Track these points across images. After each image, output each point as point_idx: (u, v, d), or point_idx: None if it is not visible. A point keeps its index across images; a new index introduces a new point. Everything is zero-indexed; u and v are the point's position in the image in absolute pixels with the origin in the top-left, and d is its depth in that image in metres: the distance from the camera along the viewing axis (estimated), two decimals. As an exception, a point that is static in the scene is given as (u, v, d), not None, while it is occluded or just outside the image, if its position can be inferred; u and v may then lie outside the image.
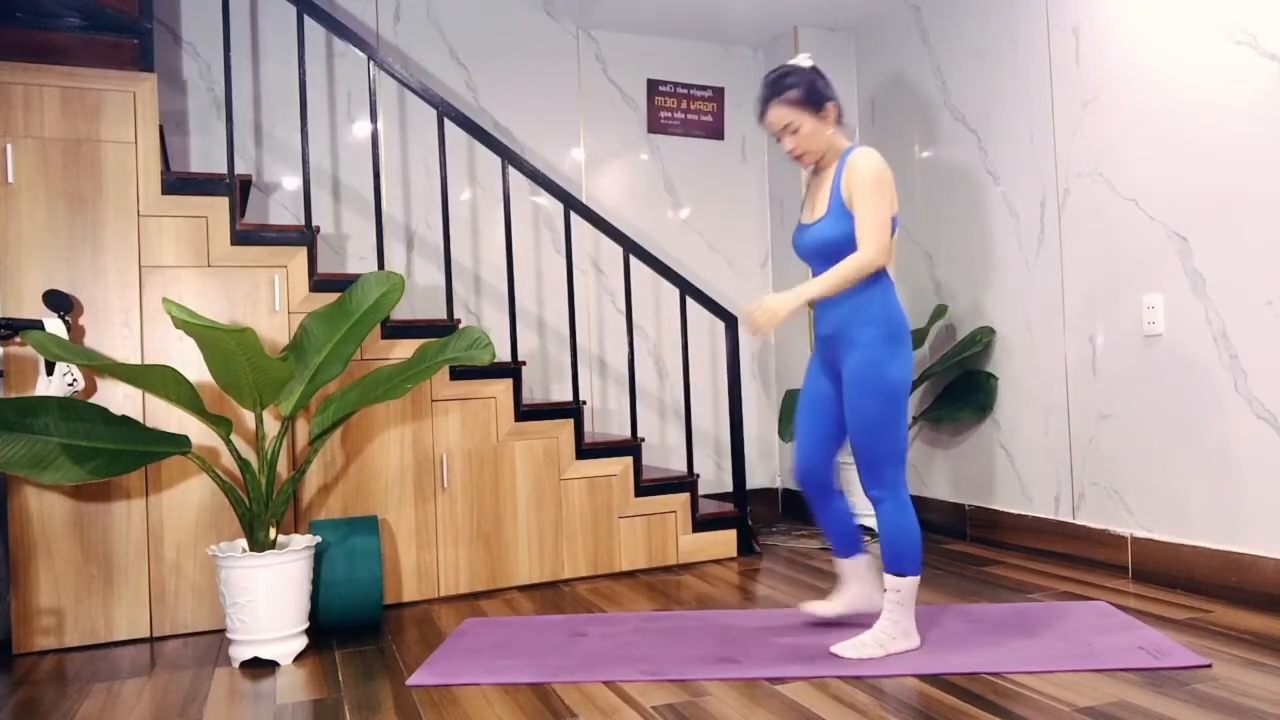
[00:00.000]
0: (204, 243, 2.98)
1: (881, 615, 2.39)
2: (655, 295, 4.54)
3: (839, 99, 2.44)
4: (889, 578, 2.36)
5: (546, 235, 4.33)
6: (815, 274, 2.43)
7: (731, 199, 4.71)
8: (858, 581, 2.60)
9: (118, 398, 2.86)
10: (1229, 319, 2.81)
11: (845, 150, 2.41)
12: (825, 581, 3.22)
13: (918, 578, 2.37)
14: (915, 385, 3.97)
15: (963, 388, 3.86)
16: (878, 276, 2.37)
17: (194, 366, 2.86)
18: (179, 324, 2.28)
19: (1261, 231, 2.71)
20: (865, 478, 2.37)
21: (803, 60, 2.44)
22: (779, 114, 2.40)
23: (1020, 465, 3.62)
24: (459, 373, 3.25)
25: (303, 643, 2.62)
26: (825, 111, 2.39)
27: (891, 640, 2.36)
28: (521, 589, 3.31)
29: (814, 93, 2.39)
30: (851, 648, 2.36)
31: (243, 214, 3.31)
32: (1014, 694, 2.07)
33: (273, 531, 2.63)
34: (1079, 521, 3.35)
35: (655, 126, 4.57)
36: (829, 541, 2.57)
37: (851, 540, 2.58)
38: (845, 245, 2.35)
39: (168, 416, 2.90)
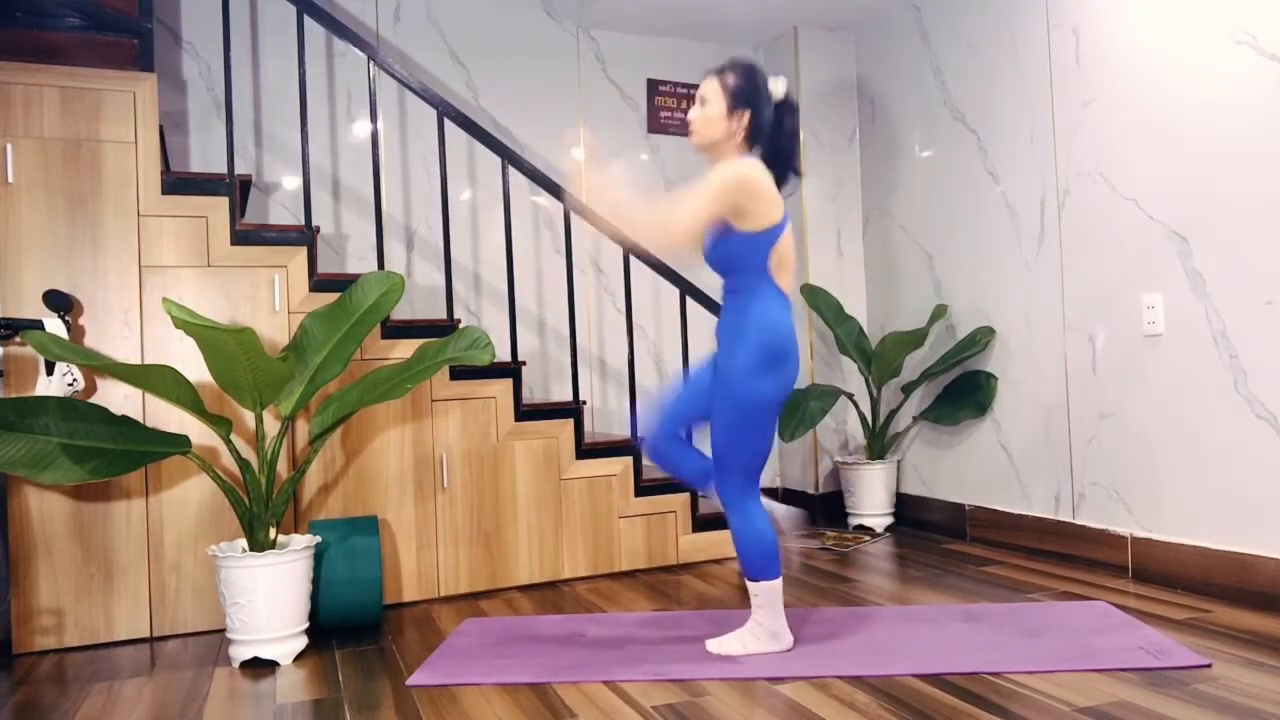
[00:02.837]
0: (204, 243, 2.98)
1: (750, 617, 2.45)
2: (655, 295, 4.54)
3: (766, 129, 2.40)
4: (748, 583, 2.42)
5: (546, 235, 4.33)
6: (724, 284, 2.44)
7: (731, 199, 4.70)
8: None
9: (118, 398, 2.86)
10: (1229, 319, 2.81)
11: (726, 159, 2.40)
12: (825, 581, 3.22)
13: (775, 581, 2.39)
14: (915, 385, 3.98)
15: (963, 388, 3.86)
16: (763, 293, 2.36)
17: (194, 366, 2.86)
18: (179, 324, 2.28)
19: (1261, 231, 2.71)
20: (716, 478, 2.43)
21: (777, 86, 2.43)
22: (707, 85, 2.41)
23: (1020, 465, 3.62)
24: (459, 373, 3.25)
25: (303, 643, 2.62)
26: (738, 112, 2.37)
27: (755, 640, 2.41)
28: (521, 589, 3.31)
29: (743, 92, 2.37)
30: (717, 643, 2.44)
31: (243, 214, 3.31)
32: (1014, 694, 2.07)
33: (273, 531, 2.63)
34: (1079, 521, 3.35)
35: (655, 126, 4.57)
36: (694, 486, 2.51)
37: (706, 474, 2.50)
38: (725, 260, 2.38)
39: (168, 416, 2.90)
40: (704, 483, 2.50)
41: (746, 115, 2.38)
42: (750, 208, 2.31)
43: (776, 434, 3.88)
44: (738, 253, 2.36)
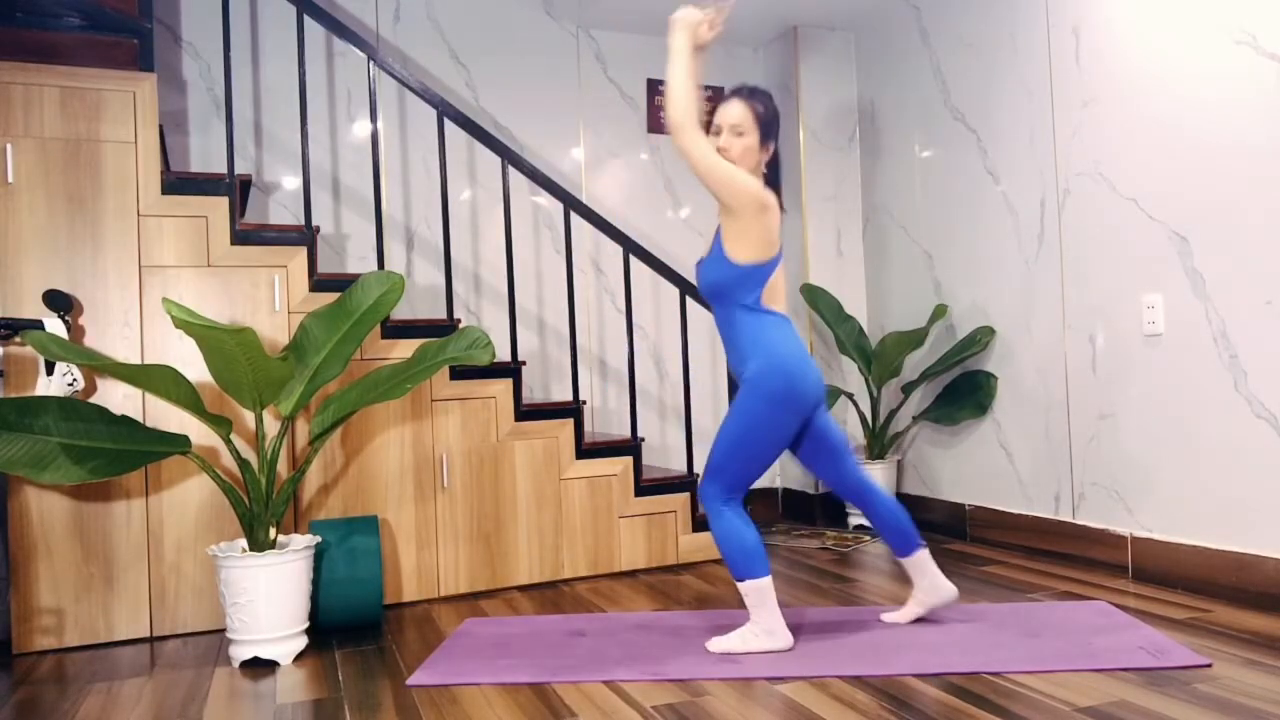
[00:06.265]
0: (204, 243, 2.98)
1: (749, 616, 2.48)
2: (655, 295, 4.54)
3: (775, 162, 2.50)
4: (738, 584, 2.45)
5: (546, 235, 4.33)
6: (714, 312, 2.51)
7: (731, 199, 4.70)
8: (920, 575, 2.59)
9: (118, 398, 2.86)
10: (1229, 319, 2.81)
11: None
12: (825, 581, 3.22)
13: (762, 579, 2.41)
14: (915, 385, 3.98)
15: (963, 387, 3.86)
16: (759, 318, 2.41)
17: (194, 366, 2.86)
18: (179, 324, 2.28)
19: (1261, 231, 2.71)
20: (704, 476, 2.46)
21: None
22: (742, 111, 2.42)
23: (1020, 465, 3.62)
24: (459, 372, 3.25)
25: (303, 642, 2.62)
26: (766, 147, 2.45)
27: (754, 638, 2.43)
28: (521, 589, 3.31)
29: (773, 124, 2.46)
30: (717, 642, 2.46)
31: (243, 214, 3.31)
32: (1014, 694, 2.07)
33: (273, 531, 2.63)
34: (1079, 521, 3.35)
35: (655, 126, 4.57)
36: (886, 542, 2.60)
37: (904, 536, 2.56)
38: (722, 289, 2.42)
39: (168, 416, 2.90)
40: (907, 543, 2.56)
41: (772, 148, 2.46)
42: (753, 233, 2.37)
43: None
44: (732, 285, 2.41)
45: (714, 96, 4.66)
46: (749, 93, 2.44)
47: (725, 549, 2.41)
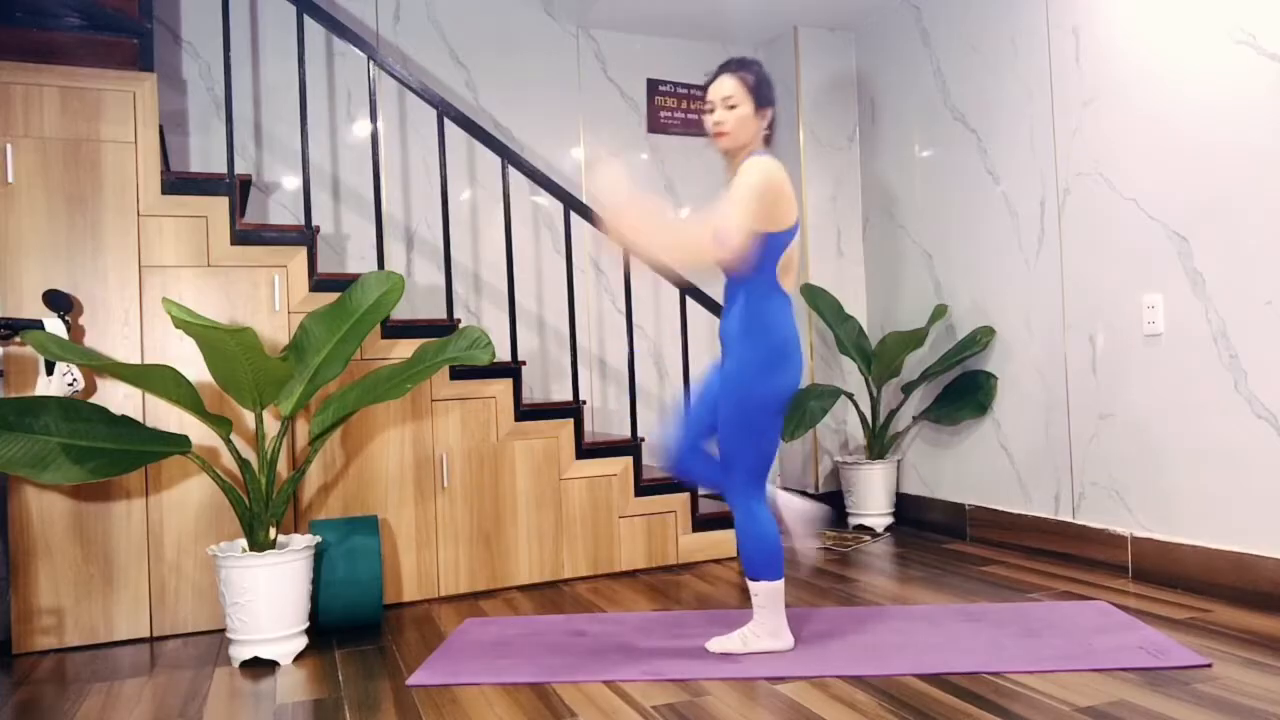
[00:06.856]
0: (204, 242, 2.98)
1: (752, 616, 2.45)
2: (655, 295, 4.54)
3: (774, 122, 2.44)
4: (749, 582, 2.42)
5: (546, 235, 4.33)
6: (728, 283, 2.44)
7: (731, 199, 4.70)
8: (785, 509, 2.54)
9: (118, 398, 2.86)
10: (1229, 319, 2.81)
11: (749, 156, 2.39)
12: (825, 580, 3.22)
13: (777, 582, 2.40)
14: (915, 385, 3.98)
15: (963, 387, 3.86)
16: (768, 294, 2.35)
17: (194, 366, 2.86)
18: (179, 324, 2.28)
19: (1261, 231, 2.71)
20: (723, 471, 2.44)
21: None
22: (729, 84, 2.38)
23: (1020, 465, 3.62)
24: (459, 372, 3.25)
25: (303, 642, 2.62)
26: (763, 112, 2.39)
27: (756, 639, 2.42)
28: (521, 589, 3.31)
29: (765, 89, 2.40)
30: (717, 643, 2.45)
31: (242, 214, 3.31)
32: (1014, 694, 2.07)
33: (273, 531, 2.63)
34: (1079, 521, 3.35)
35: (655, 126, 4.57)
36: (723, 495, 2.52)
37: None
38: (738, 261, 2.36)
39: (168, 416, 2.90)
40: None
41: (769, 113, 2.40)
42: (777, 208, 2.31)
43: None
44: (752, 253, 2.34)
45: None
46: (736, 64, 2.41)
47: (745, 547, 2.39)
